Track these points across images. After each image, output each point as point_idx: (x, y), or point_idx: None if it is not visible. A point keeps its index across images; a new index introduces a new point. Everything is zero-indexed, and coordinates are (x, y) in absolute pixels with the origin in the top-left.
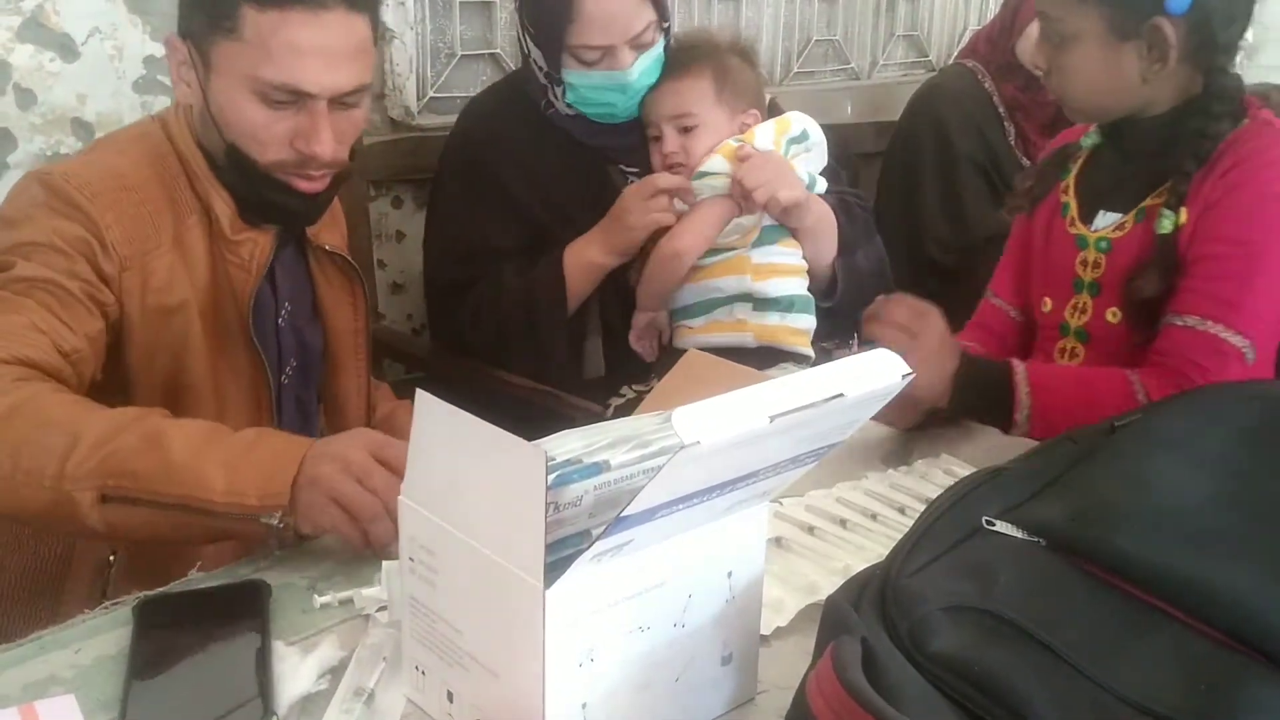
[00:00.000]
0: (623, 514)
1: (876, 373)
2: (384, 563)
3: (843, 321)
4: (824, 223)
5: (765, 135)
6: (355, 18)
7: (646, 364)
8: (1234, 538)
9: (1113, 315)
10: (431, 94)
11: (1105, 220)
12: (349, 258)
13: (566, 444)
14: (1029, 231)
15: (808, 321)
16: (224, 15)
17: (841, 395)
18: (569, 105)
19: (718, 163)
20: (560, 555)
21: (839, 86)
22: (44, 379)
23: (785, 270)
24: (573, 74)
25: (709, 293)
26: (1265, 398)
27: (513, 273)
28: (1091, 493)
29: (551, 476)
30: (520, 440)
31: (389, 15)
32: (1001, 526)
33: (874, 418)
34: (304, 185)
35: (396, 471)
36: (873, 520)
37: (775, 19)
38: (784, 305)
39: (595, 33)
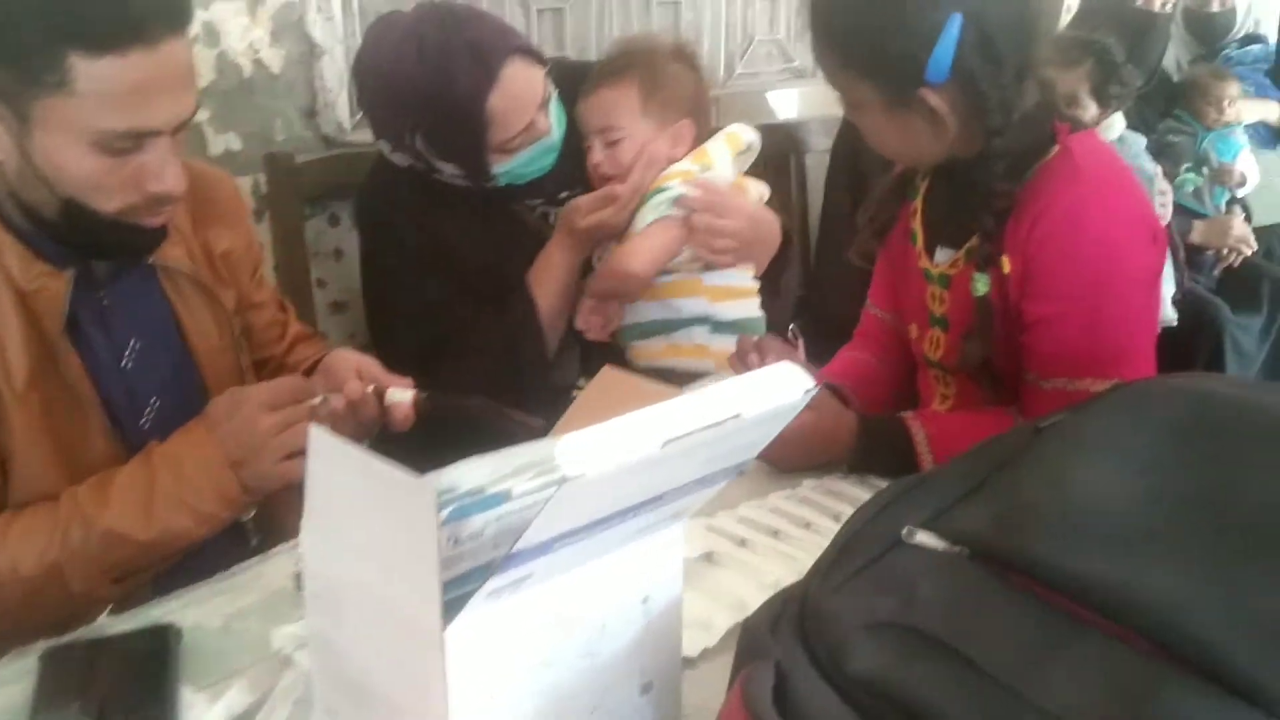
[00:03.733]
0: (513, 550)
1: (777, 389)
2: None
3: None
4: (774, 245)
5: (723, 159)
6: (182, 39)
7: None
8: (1160, 540)
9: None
10: None
11: (943, 256)
12: (191, 272)
13: (472, 473)
14: (890, 249)
15: None
16: (45, 68)
17: (739, 415)
18: (507, 184)
19: (674, 188)
20: (464, 590)
21: (783, 85)
22: None
23: (740, 292)
24: (503, 165)
25: (665, 312)
26: (1191, 393)
27: (484, 322)
28: (1013, 498)
29: (450, 509)
30: (411, 475)
31: (317, 31)
32: (922, 537)
33: (762, 457)
34: (153, 222)
35: (288, 404)
36: (806, 529)
37: (716, 20)
38: (741, 328)
39: (512, 124)
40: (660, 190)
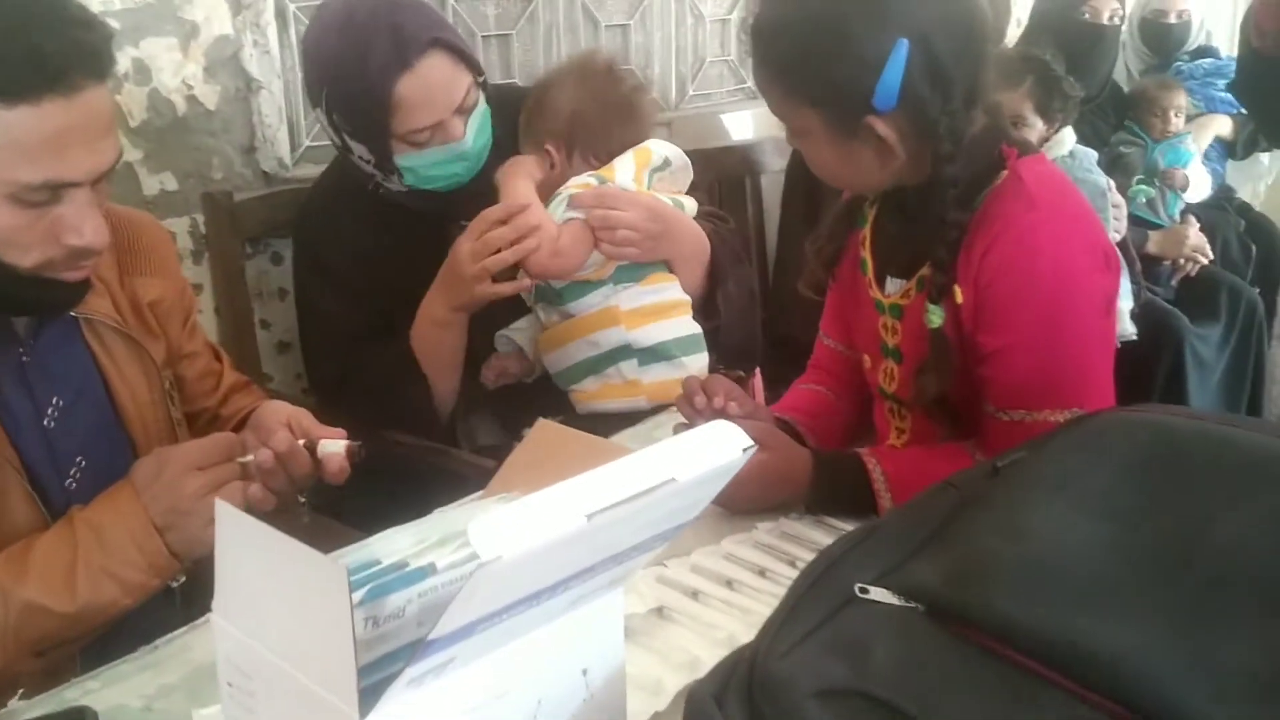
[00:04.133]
0: (429, 637)
1: (714, 449)
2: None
3: (726, 346)
4: (696, 246)
5: (625, 171)
6: (102, 87)
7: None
8: (1121, 592)
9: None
10: (307, 142)
11: (893, 286)
12: (117, 324)
13: (395, 545)
14: (840, 279)
15: (699, 361)
16: None
17: (673, 480)
18: (406, 186)
19: (564, 191)
20: (386, 673)
21: (737, 107)
22: None
23: (659, 311)
24: (407, 158)
25: (588, 349)
26: (1154, 426)
27: (373, 357)
28: (970, 549)
29: (367, 588)
30: (321, 556)
31: (254, 65)
32: (876, 593)
33: (715, 502)
34: (74, 276)
35: (217, 462)
36: (761, 577)
37: (666, 43)
38: (668, 352)
39: (420, 115)
40: (555, 198)
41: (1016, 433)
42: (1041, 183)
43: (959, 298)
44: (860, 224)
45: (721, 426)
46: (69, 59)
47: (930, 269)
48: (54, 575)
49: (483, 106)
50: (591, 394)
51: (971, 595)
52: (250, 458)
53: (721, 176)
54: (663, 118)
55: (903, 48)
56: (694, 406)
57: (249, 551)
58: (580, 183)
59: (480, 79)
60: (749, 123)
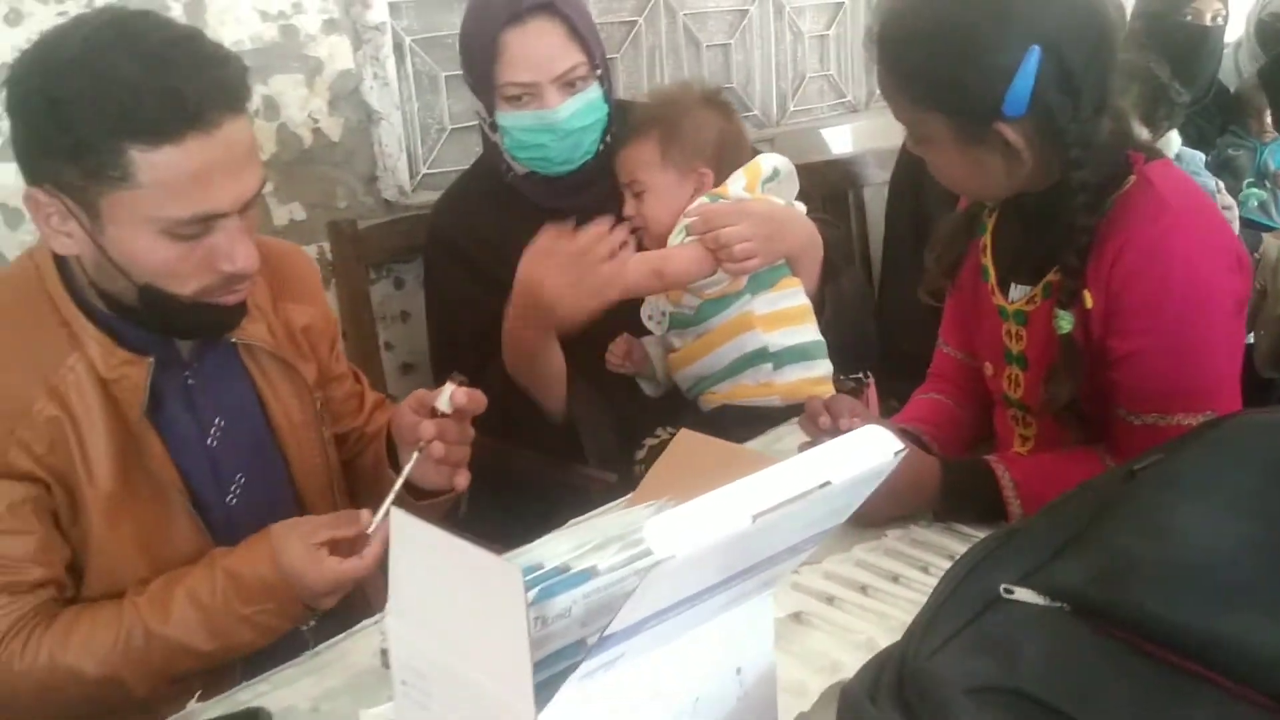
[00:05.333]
0: (606, 632)
1: (865, 453)
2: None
3: (838, 345)
4: (812, 239)
5: (737, 186)
6: (240, 119)
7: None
8: (1270, 589)
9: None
10: (425, 170)
11: (1018, 292)
12: (272, 348)
13: (555, 549)
14: (960, 287)
15: (826, 367)
16: (107, 165)
17: (829, 483)
18: (514, 158)
19: (680, 231)
20: (553, 671)
21: (837, 121)
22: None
23: (792, 316)
24: (504, 115)
25: (723, 358)
26: None
27: (494, 356)
28: (1113, 549)
29: (536, 590)
30: (496, 557)
31: (374, 97)
32: (1021, 594)
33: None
34: (231, 300)
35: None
36: (894, 583)
37: (766, 60)
38: (800, 354)
39: (519, 69)
40: (676, 232)
41: (1148, 437)
42: (1172, 186)
43: (1088, 303)
44: (980, 232)
45: (872, 431)
46: (207, 97)
47: (1058, 275)
48: (195, 618)
49: (593, 95)
50: (724, 395)
51: (1118, 595)
52: (414, 459)
53: (823, 191)
54: (764, 134)
55: (1034, 55)
56: (818, 426)
57: (423, 555)
58: (698, 205)
59: (597, 69)
60: (848, 137)
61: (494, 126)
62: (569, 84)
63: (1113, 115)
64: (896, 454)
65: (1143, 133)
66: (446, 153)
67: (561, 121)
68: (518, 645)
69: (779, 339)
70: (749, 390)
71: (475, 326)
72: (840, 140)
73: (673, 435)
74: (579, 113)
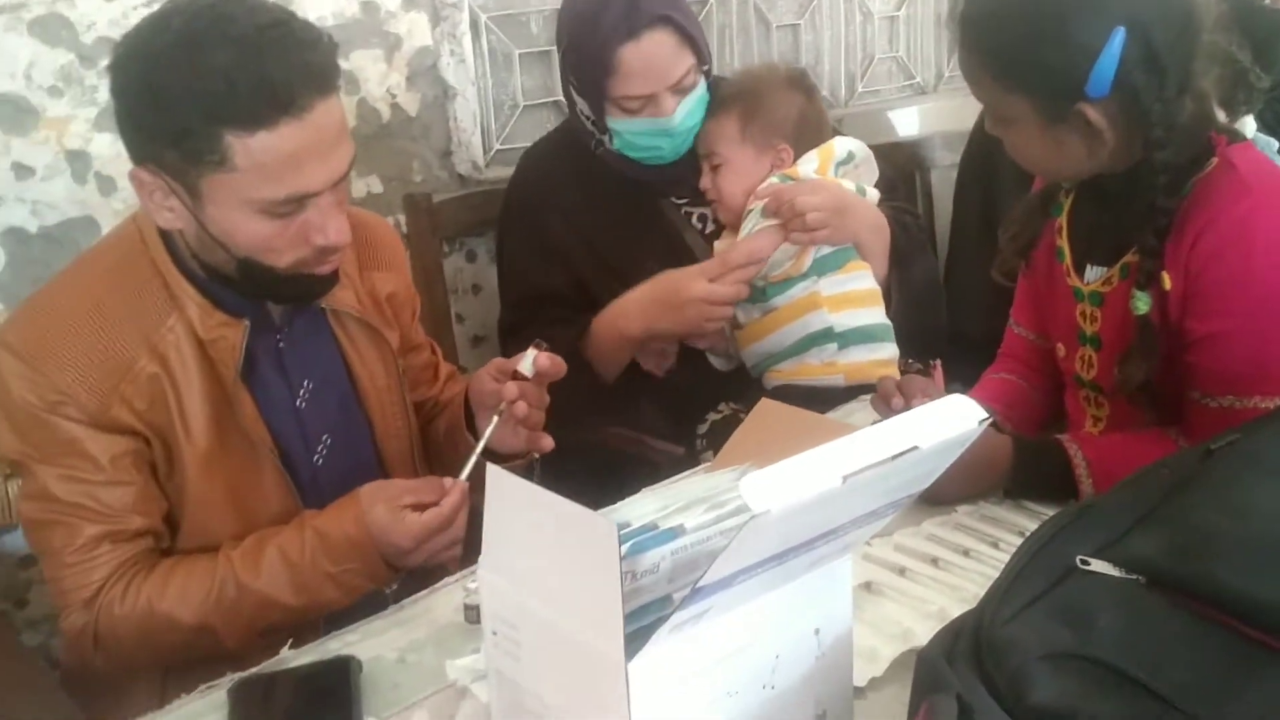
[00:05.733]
0: (699, 584)
1: (952, 420)
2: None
3: (905, 333)
4: (878, 225)
5: (809, 167)
6: (331, 100)
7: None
8: None
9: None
10: (498, 146)
11: (1094, 274)
12: (359, 314)
13: (641, 509)
14: (1034, 268)
15: (892, 350)
16: (205, 150)
17: (916, 448)
18: (624, 155)
19: (755, 214)
20: (641, 624)
21: (905, 103)
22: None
23: (859, 298)
24: (617, 122)
25: (789, 336)
26: None
27: (561, 322)
28: (1190, 524)
29: (626, 546)
30: (591, 512)
31: (450, 73)
32: (1097, 565)
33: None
34: (324, 270)
35: (427, 498)
36: (965, 556)
37: (835, 41)
38: (865, 336)
39: (635, 84)
40: (749, 212)
41: (1223, 419)
42: (1254, 169)
43: (1166, 284)
44: (1055, 213)
45: (959, 400)
46: (299, 83)
47: (1136, 256)
48: (284, 574)
49: (700, 92)
50: (788, 373)
51: (1195, 568)
52: (494, 423)
53: (890, 173)
54: (832, 115)
55: (1119, 35)
56: (891, 407)
57: (518, 511)
58: (767, 184)
59: (705, 66)
60: (916, 119)
61: (597, 125)
62: (681, 89)
63: (1195, 97)
64: (981, 422)
65: (1220, 116)
66: (520, 129)
67: (676, 126)
68: (610, 598)
69: (845, 320)
70: (813, 369)
71: (525, 290)
72: (908, 122)
73: (735, 411)
74: (691, 112)
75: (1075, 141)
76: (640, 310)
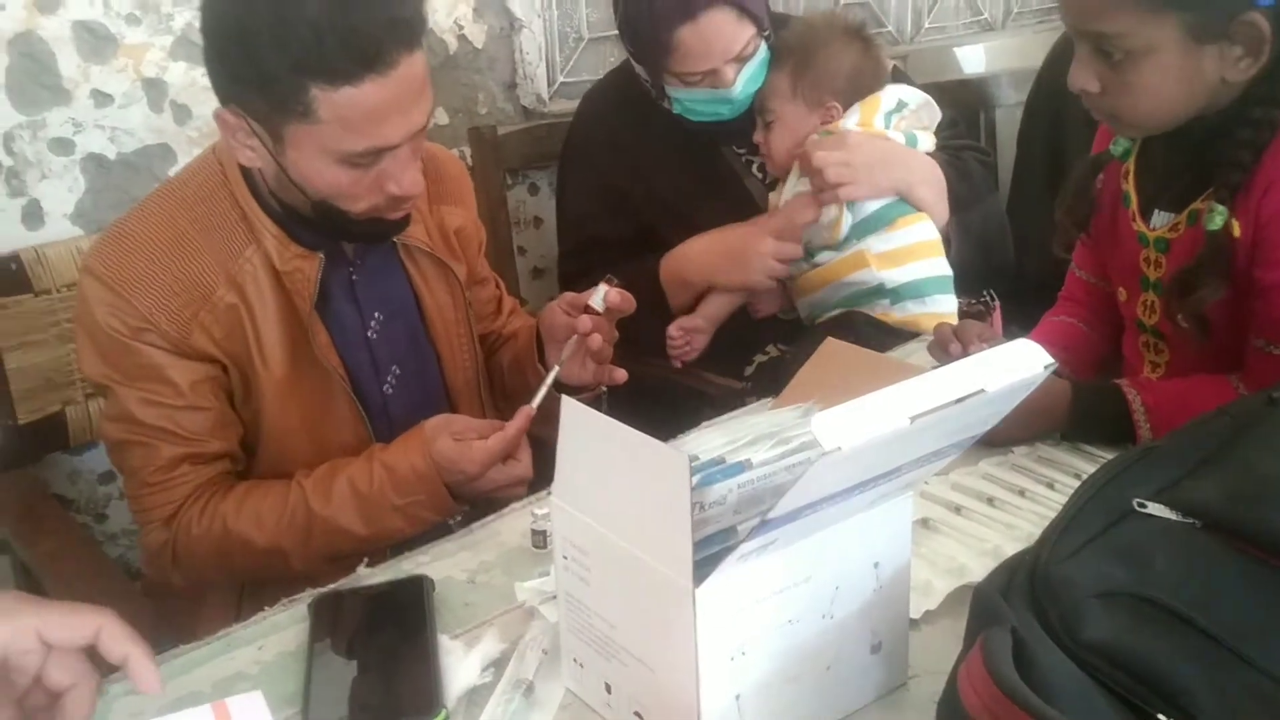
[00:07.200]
0: (768, 516)
1: (1017, 364)
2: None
3: (968, 277)
4: (926, 173)
5: (851, 121)
6: (416, 54)
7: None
8: None
9: (1183, 319)
10: (561, 79)
11: (1161, 219)
12: (428, 247)
13: (709, 442)
14: (1099, 212)
15: (949, 304)
16: (290, 100)
17: (983, 390)
18: (685, 118)
19: (793, 178)
20: (707, 553)
21: (971, 40)
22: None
23: (911, 253)
24: (677, 91)
25: (841, 290)
26: None
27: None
28: (1249, 471)
29: (695, 478)
30: (663, 445)
31: (516, 5)
32: (1154, 508)
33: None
34: (396, 215)
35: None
36: (1020, 496)
37: None
38: (917, 291)
39: (695, 61)
40: (793, 173)
41: None
42: None
43: (1235, 231)
44: (1124, 157)
45: (1025, 345)
46: (386, 38)
47: (1205, 203)
48: (352, 505)
49: (761, 55)
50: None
51: (1253, 513)
52: (566, 353)
53: (955, 111)
54: (896, 51)
55: None
56: (949, 353)
57: (591, 441)
58: (811, 141)
59: (765, 32)
60: (982, 56)
61: (657, 88)
62: (742, 58)
63: None
64: (1047, 367)
65: None
66: (584, 61)
67: (737, 94)
68: (680, 527)
69: (896, 275)
70: None
71: (584, 233)
72: (974, 60)
73: (782, 353)
74: (751, 78)
75: (1214, 66)
76: (705, 260)
